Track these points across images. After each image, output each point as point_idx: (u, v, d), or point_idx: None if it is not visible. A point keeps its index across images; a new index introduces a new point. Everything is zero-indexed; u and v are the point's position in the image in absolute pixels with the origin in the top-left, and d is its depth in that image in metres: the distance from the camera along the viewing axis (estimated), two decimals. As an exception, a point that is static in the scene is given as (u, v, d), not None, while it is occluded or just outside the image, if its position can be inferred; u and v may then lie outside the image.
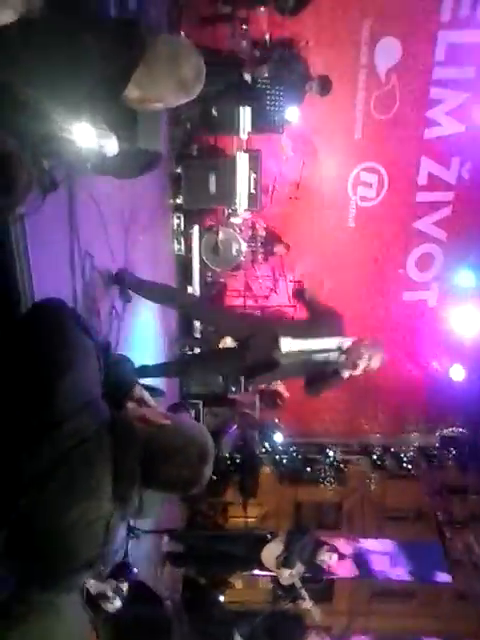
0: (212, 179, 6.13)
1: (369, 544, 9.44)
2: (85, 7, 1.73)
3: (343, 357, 3.75)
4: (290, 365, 3.83)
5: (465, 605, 9.19)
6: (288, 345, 3.78)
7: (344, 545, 8.89)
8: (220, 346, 6.21)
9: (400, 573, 9.48)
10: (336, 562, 5.60)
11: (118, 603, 2.21)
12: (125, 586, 2.21)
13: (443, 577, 9.24)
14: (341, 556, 5.77)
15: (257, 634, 5.07)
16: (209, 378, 6.80)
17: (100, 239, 3.39)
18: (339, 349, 3.77)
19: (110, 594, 2.13)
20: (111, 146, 2.32)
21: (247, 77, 6.01)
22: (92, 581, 2.20)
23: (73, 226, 2.82)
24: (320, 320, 3.98)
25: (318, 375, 3.87)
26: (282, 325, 4.02)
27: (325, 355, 3.80)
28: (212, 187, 6.15)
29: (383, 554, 9.59)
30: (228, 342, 6.23)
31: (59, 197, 2.63)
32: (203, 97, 1.86)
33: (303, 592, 5.38)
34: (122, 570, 2.35)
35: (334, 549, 5.50)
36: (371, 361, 3.72)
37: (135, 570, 2.32)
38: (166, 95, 1.81)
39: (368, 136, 7.35)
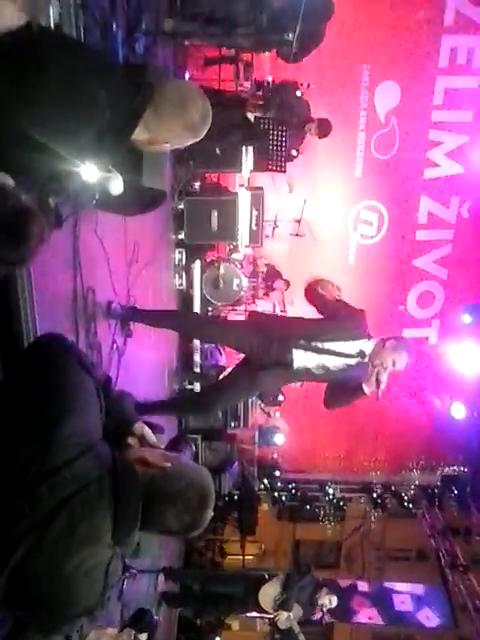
0: (214, 215, 6.21)
1: (390, 586, 9.20)
2: (93, 52, 1.79)
3: (366, 361, 3.38)
4: (306, 373, 3.51)
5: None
6: (302, 358, 3.46)
7: (362, 585, 8.67)
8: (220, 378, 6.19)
9: (427, 616, 9.19)
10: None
11: None
12: (144, 637, 2.08)
13: (444, 622, 9.01)
14: (359, 600, 5.61)
15: None
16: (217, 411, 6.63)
17: (102, 274, 3.42)
18: (361, 354, 3.42)
19: None
20: (116, 186, 2.36)
21: (250, 117, 6.16)
22: (109, 630, 2.08)
23: (76, 261, 2.86)
24: (337, 321, 3.54)
25: (338, 388, 3.55)
26: (295, 333, 3.55)
27: (344, 361, 3.44)
28: (214, 223, 6.23)
29: (405, 596, 9.35)
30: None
31: (63, 232, 2.66)
32: (207, 135, 1.91)
33: (301, 637, 5.24)
34: (141, 618, 2.20)
35: (335, 592, 5.38)
36: (396, 365, 3.36)
37: (156, 618, 2.18)
38: (173, 137, 1.86)
39: (369, 175, 7.49)
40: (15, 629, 1.39)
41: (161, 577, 5.87)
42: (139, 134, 1.81)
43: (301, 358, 3.47)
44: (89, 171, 2.15)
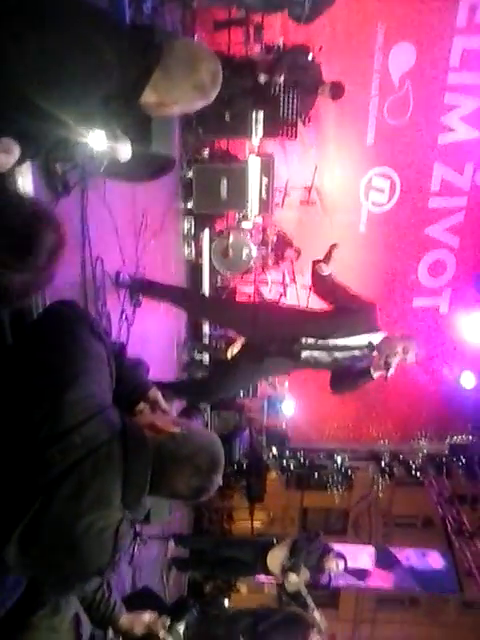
0: (223, 184, 6.11)
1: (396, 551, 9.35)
2: (100, 13, 1.72)
3: (374, 353, 3.36)
4: (314, 361, 3.49)
5: (471, 614, 9.11)
6: (310, 351, 3.45)
7: (370, 553, 8.79)
8: (228, 353, 6.20)
9: (408, 582, 9.39)
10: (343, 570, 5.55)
11: None
12: (182, 627, 2.05)
13: (450, 587, 9.16)
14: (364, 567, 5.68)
15: (260, 632, 5.02)
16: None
17: (111, 243, 3.39)
18: (369, 346, 3.39)
19: (162, 635, 1.98)
20: (125, 151, 2.31)
21: (260, 81, 6.01)
22: (146, 616, 2.02)
23: (84, 230, 2.82)
24: (347, 313, 3.48)
25: (345, 374, 3.53)
26: (302, 325, 3.54)
27: (352, 353, 3.43)
28: (223, 192, 6.14)
29: (388, 561, 9.54)
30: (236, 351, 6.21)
31: (71, 200, 2.62)
32: (216, 101, 1.84)
33: (309, 599, 5.33)
34: (182, 607, 2.17)
35: (342, 556, 5.45)
36: (407, 354, 3.34)
37: (196, 609, 2.15)
38: (183, 99, 1.80)
39: (381, 141, 7.32)
40: (31, 589, 1.41)
41: (171, 543, 5.97)
42: (147, 96, 1.75)
43: (310, 352, 3.46)
44: (97, 138, 2.10)
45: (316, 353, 3.47)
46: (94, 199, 2.95)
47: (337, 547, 5.75)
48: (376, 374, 3.39)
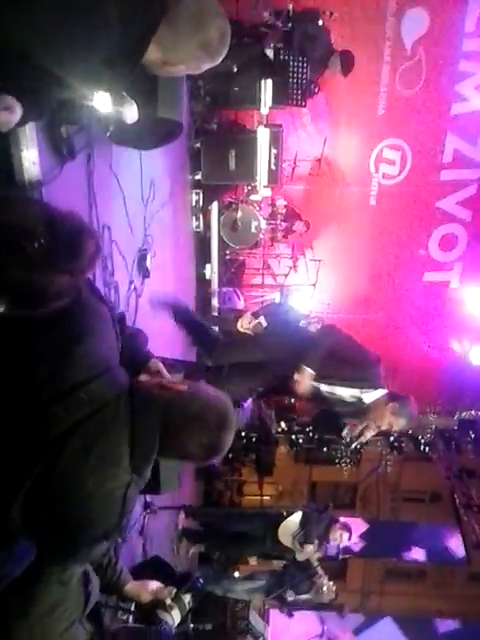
0: (232, 155, 6.02)
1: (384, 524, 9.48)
2: None
3: (363, 407, 3.31)
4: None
5: (478, 586, 9.19)
6: (308, 383, 3.39)
7: (360, 524, 8.92)
8: (238, 325, 6.16)
9: (416, 554, 9.50)
10: (347, 541, 5.61)
11: (176, 616, 2.00)
12: (188, 598, 2.05)
13: (457, 559, 9.25)
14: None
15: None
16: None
17: (118, 211, 3.34)
18: (360, 401, 3.33)
19: (168, 602, 1.98)
20: (131, 113, 2.25)
21: (269, 50, 5.87)
22: (152, 585, 2.02)
23: (91, 197, 2.77)
24: (357, 370, 3.41)
25: (326, 414, 3.56)
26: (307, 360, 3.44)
27: (344, 400, 3.40)
28: (232, 163, 6.05)
29: (398, 534, 9.63)
30: (245, 324, 6.17)
31: (78, 166, 2.57)
32: (224, 70, 1.77)
33: (319, 569, 5.39)
34: (187, 580, 2.17)
35: (347, 528, 5.49)
36: (392, 428, 3.33)
37: (201, 582, 2.17)
38: (188, 57, 1.73)
39: (392, 111, 7.17)
40: (37, 564, 1.40)
41: (182, 514, 6.03)
42: (152, 53, 1.69)
43: (307, 383, 3.38)
44: (102, 100, 2.04)
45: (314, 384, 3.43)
46: (101, 165, 2.90)
47: (344, 520, 5.78)
48: (347, 432, 3.37)
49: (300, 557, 5.38)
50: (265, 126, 6.17)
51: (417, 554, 9.65)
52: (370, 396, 3.32)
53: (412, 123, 7.22)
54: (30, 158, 2.07)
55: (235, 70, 5.53)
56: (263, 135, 6.07)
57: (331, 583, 5.38)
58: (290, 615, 6.15)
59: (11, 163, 2.02)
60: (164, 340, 4.47)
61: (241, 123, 6.64)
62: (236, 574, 7.05)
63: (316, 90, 6.25)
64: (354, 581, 9.53)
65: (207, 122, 6.27)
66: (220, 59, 1.75)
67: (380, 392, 3.33)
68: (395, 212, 7.68)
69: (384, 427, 3.28)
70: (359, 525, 8.90)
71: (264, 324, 6.06)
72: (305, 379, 3.35)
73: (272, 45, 5.84)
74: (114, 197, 3.24)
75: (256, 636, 6.65)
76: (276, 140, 6.15)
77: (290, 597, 5.59)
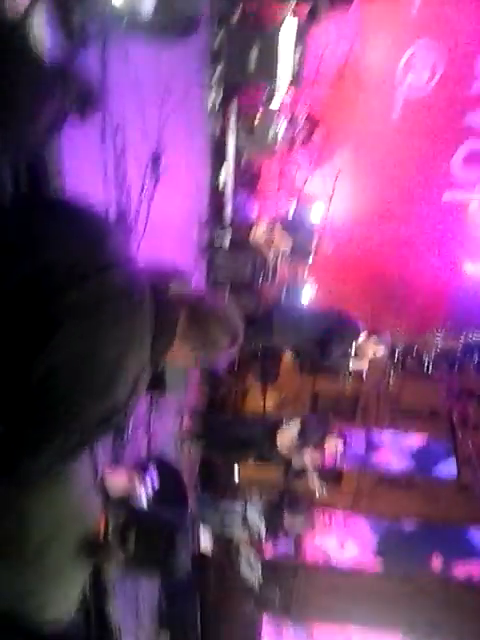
0: (254, 52, 5.68)
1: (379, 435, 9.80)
2: None
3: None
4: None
5: (465, 496, 9.62)
6: None
7: (357, 435, 9.24)
8: (252, 234, 6.10)
9: (407, 465, 9.89)
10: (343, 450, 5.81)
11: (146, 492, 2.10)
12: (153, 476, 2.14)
13: (448, 472, 9.63)
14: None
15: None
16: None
17: (132, 110, 3.19)
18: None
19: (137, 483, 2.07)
20: (147, 2, 2.10)
21: None
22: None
23: (104, 91, 2.63)
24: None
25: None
26: None
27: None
28: (253, 61, 5.72)
29: (391, 445, 9.99)
30: (259, 234, 6.10)
31: (90, 58, 2.43)
32: None
33: (314, 475, 5.62)
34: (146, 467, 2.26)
35: (344, 438, 5.66)
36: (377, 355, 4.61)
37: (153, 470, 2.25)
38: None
39: (427, 11, 6.63)
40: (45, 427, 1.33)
41: (185, 417, 6.24)
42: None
43: None
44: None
45: None
46: (114, 59, 2.73)
47: (341, 430, 5.97)
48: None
49: (295, 462, 5.59)
50: (293, 15, 5.74)
51: (409, 465, 10.05)
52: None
53: (448, 25, 6.71)
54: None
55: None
56: (289, 27, 5.66)
57: (321, 483, 5.66)
58: (286, 538, 6.49)
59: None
60: (173, 248, 4.43)
61: (265, 16, 6.20)
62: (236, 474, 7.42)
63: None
64: (348, 486, 10.00)
65: (229, 14, 5.86)
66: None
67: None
68: (419, 124, 7.31)
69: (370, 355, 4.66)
70: (356, 436, 9.21)
71: (280, 236, 6.01)
72: None
73: None
74: (128, 95, 3.09)
75: (252, 566, 6.86)
76: (302, 35, 5.77)
77: (287, 522, 5.89)
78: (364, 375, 5.56)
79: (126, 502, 2.19)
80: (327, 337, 4.62)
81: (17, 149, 1.65)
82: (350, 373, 5.55)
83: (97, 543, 1.51)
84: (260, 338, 5.22)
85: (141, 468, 1.59)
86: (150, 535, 1.63)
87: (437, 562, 9.09)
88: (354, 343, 4.71)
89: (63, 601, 1.48)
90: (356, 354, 4.70)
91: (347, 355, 4.69)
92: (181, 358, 1.47)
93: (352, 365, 4.83)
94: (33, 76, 1.59)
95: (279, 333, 4.91)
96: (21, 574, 1.39)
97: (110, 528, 1.55)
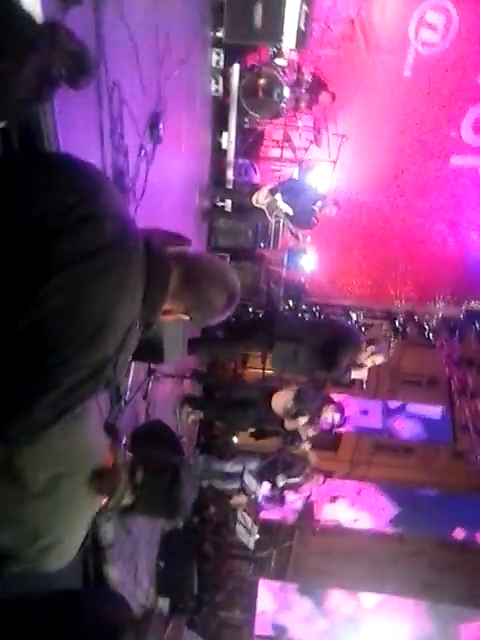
0: (258, 9, 5.51)
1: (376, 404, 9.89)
2: None
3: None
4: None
5: (460, 463, 9.73)
6: None
7: (355, 404, 9.31)
8: (254, 199, 6.01)
9: (405, 432, 10.00)
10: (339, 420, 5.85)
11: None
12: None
13: (444, 438, 9.74)
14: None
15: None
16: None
17: (129, 69, 3.09)
18: None
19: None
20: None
21: None
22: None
23: (100, 49, 2.54)
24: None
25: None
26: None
27: None
28: (258, 19, 5.56)
29: (389, 411, 10.08)
30: (261, 199, 6.00)
31: (84, 12, 2.33)
32: None
33: (303, 436, 5.68)
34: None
35: (340, 408, 5.69)
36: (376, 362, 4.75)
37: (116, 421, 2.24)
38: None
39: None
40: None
41: (186, 382, 6.26)
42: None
43: None
44: None
45: None
46: (111, 15, 2.63)
47: (337, 400, 5.99)
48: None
49: (289, 426, 5.62)
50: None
51: (406, 431, 10.15)
52: None
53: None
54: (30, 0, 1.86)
55: None
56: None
57: (312, 451, 5.75)
58: (281, 502, 6.59)
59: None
60: (174, 214, 4.36)
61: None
62: (234, 439, 7.49)
63: None
64: (345, 452, 10.11)
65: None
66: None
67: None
68: (430, 85, 7.12)
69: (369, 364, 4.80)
70: (354, 404, 9.27)
71: (280, 201, 5.91)
72: None
73: None
74: (125, 52, 2.98)
75: (248, 529, 6.94)
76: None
77: (281, 481, 5.95)
78: (364, 384, 5.53)
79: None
80: (331, 348, 4.59)
81: (3, 105, 1.59)
82: (352, 382, 5.51)
83: (107, 473, 1.52)
84: (261, 346, 5.41)
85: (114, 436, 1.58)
86: (157, 470, 1.66)
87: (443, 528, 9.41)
88: (358, 354, 4.71)
89: (68, 541, 1.49)
90: (357, 364, 4.73)
91: (351, 367, 4.69)
92: (176, 318, 1.44)
93: (353, 375, 4.81)
94: (16, 27, 1.53)
95: (281, 341, 4.94)
96: (34, 509, 1.39)
97: (119, 462, 1.56)
